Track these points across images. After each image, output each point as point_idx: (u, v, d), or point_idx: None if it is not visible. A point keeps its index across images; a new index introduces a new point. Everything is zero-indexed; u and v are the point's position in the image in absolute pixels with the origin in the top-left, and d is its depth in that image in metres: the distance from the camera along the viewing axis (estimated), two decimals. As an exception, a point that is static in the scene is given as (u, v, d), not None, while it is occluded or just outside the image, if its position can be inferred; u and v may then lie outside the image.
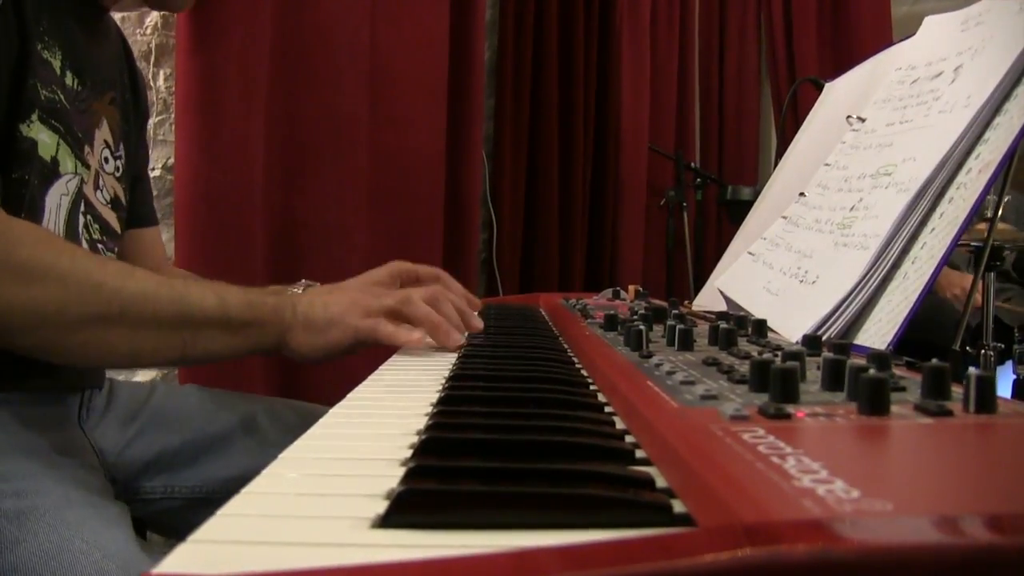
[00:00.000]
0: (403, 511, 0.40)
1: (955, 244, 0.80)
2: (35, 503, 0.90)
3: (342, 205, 2.41)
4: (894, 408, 0.50)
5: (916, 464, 0.40)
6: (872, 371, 0.52)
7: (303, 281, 1.40)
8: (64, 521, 0.89)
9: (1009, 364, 2.75)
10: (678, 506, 0.41)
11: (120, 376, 1.36)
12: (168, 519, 1.25)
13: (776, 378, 0.53)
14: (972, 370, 0.50)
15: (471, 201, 3.05)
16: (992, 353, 2.27)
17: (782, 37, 4.15)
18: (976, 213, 0.80)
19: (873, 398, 0.49)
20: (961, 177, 0.84)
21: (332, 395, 0.77)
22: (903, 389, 0.57)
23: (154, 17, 2.11)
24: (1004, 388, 2.90)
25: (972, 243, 2.24)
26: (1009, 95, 0.83)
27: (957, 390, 0.53)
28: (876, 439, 0.45)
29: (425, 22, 2.78)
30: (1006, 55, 0.86)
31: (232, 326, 1.00)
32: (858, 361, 0.59)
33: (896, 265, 0.86)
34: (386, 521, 0.39)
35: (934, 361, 0.54)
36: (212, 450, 1.27)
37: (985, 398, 0.49)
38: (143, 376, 1.94)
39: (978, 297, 2.37)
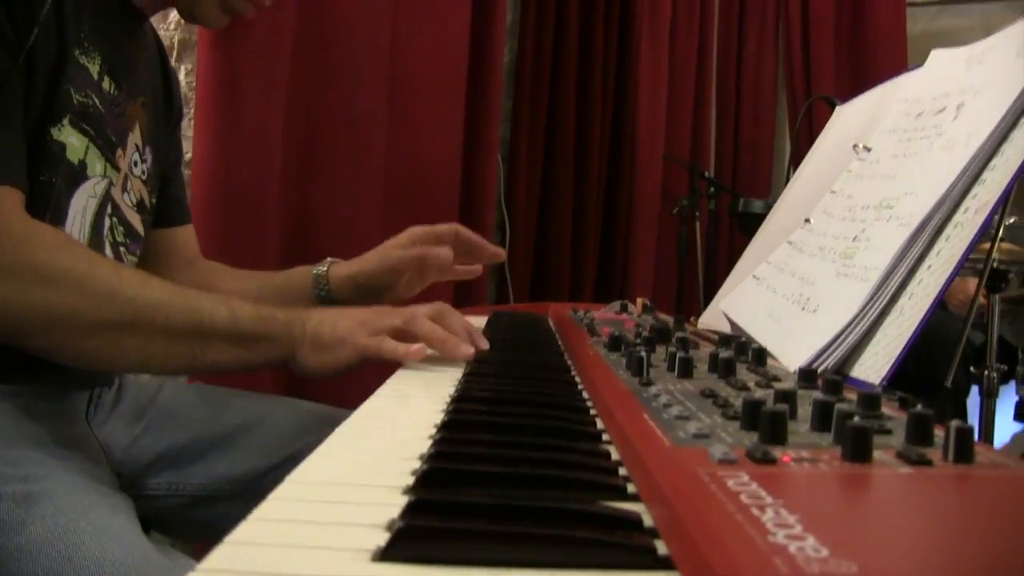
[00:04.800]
0: (401, 546, 0.42)
1: (951, 281, 0.82)
2: (42, 487, 0.93)
3: (358, 203, 2.43)
4: (877, 454, 0.52)
5: (889, 521, 0.42)
6: (857, 418, 0.54)
7: (328, 259, 1.44)
8: (70, 505, 0.91)
9: (1012, 385, 2.78)
10: (662, 547, 0.44)
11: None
12: (172, 516, 1.28)
13: (765, 420, 0.55)
14: (953, 422, 0.52)
15: (486, 203, 3.07)
16: (996, 374, 2.29)
17: (799, 50, 4.16)
18: (972, 251, 0.82)
19: (856, 446, 0.51)
20: (958, 216, 0.86)
21: (338, 395, 0.80)
22: (889, 432, 0.59)
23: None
24: (1007, 408, 2.92)
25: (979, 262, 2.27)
26: (1006, 138, 0.85)
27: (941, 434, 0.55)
28: (854, 490, 0.47)
29: (446, 23, 2.81)
30: (1004, 98, 0.88)
31: (242, 339, 1.03)
32: (848, 401, 0.61)
33: (894, 300, 0.88)
34: (385, 555, 0.42)
35: (919, 407, 0.57)
36: (217, 448, 1.29)
37: (963, 449, 0.51)
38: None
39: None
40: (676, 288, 3.73)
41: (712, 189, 3.83)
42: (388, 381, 0.97)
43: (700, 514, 0.41)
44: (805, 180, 1.51)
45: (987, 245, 2.33)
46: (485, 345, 1.11)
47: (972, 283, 3.13)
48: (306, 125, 2.34)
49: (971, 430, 0.52)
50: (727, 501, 0.42)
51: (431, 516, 0.46)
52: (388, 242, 1.44)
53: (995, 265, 2.31)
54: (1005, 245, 2.57)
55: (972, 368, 2.40)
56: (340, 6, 2.38)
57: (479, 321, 1.40)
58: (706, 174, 3.91)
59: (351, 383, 0.91)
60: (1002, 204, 0.82)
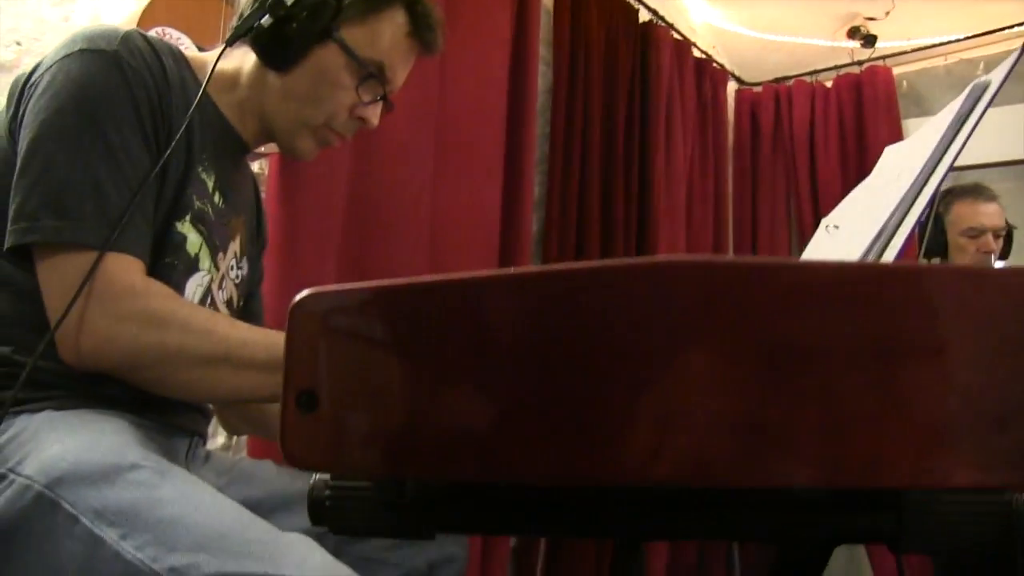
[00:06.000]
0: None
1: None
2: (173, 470, 1.13)
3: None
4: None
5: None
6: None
7: None
8: (195, 482, 1.12)
9: None
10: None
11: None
12: None
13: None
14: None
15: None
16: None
17: (810, 214, 4.47)
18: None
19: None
20: (895, 239, 1.08)
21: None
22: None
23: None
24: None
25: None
26: (926, 183, 1.08)
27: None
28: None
29: (480, 194, 3.11)
30: (926, 152, 1.12)
31: None
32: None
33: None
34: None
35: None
36: (287, 508, 1.44)
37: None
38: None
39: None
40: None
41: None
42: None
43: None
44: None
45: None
46: None
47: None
48: (355, 276, 2.61)
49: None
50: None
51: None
52: None
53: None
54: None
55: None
56: (387, 172, 2.70)
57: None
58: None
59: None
60: (922, 223, 1.04)
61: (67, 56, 1.26)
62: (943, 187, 3.24)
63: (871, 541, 0.68)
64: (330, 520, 0.69)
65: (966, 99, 1.12)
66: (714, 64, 4.57)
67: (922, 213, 1.04)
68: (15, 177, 1.22)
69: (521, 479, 0.56)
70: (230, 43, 1.44)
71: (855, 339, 0.48)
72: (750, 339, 0.49)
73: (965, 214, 3.08)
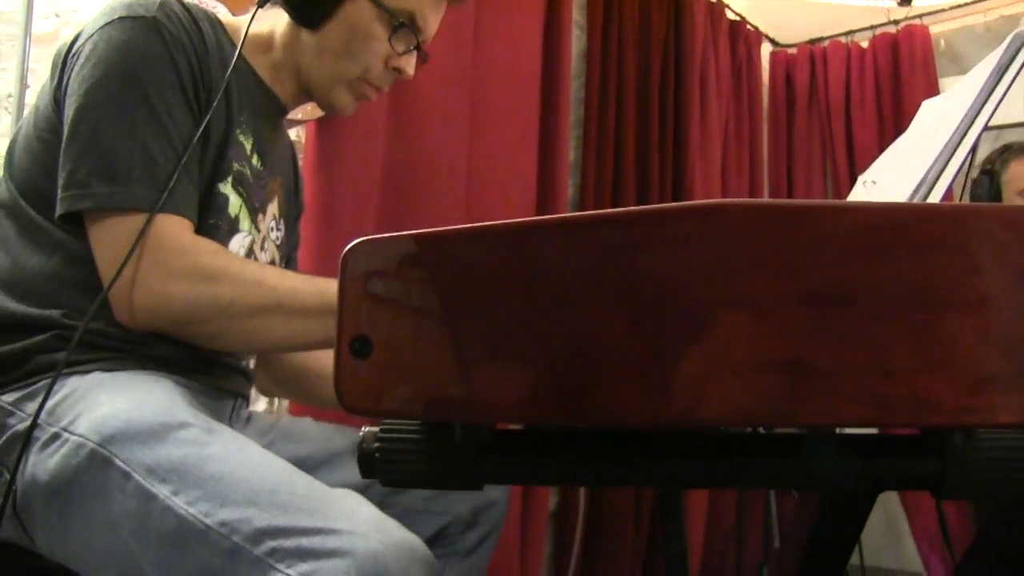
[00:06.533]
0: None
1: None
2: (220, 428, 1.16)
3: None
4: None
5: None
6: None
7: None
8: (243, 440, 1.15)
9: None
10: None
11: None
12: None
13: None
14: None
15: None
16: None
17: (846, 183, 4.42)
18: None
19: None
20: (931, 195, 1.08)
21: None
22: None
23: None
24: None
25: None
26: (959, 145, 1.08)
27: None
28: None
29: (515, 159, 3.12)
30: (964, 105, 1.11)
31: None
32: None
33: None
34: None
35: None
36: (329, 464, 1.48)
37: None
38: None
39: None
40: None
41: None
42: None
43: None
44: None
45: None
46: None
47: None
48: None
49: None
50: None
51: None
52: None
53: None
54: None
55: None
56: (423, 139, 2.71)
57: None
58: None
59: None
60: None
61: (107, 24, 1.28)
62: (996, 144, 3.16)
63: (914, 487, 0.69)
64: (380, 471, 0.71)
65: (1006, 50, 1.12)
66: (748, 26, 4.52)
67: (961, 165, 1.03)
68: (63, 145, 1.25)
69: (569, 422, 0.57)
70: (261, 4, 1.46)
71: (901, 278, 0.49)
72: (797, 279, 0.50)
73: (1023, 173, 2.96)
